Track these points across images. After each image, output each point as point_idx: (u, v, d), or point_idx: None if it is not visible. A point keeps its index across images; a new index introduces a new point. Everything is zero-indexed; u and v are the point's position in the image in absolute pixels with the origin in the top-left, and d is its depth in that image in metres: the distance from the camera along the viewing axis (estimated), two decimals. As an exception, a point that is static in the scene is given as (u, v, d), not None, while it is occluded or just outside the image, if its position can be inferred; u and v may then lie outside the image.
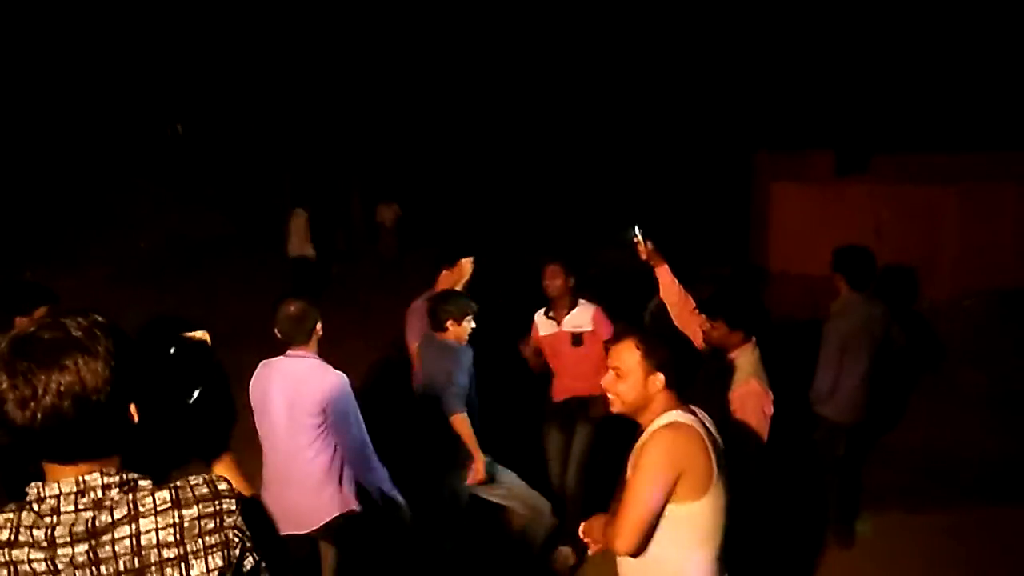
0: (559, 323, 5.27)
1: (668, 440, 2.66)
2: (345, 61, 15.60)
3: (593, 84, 16.80)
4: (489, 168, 17.88)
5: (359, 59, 15.59)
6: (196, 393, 2.00)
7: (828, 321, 5.28)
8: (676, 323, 4.33)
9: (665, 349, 2.84)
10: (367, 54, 15.63)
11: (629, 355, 2.80)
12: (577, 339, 5.22)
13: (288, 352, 3.81)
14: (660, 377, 2.77)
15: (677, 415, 2.73)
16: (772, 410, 3.84)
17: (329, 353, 3.94)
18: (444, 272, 5.41)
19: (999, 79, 13.05)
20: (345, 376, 3.75)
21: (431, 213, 16.92)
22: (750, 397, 3.81)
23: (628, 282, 10.14)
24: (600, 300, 5.39)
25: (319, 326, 3.79)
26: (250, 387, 3.87)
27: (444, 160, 18.02)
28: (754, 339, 3.99)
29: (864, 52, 13.87)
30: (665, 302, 4.41)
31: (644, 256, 4.31)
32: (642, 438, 2.76)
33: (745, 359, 3.93)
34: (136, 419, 1.65)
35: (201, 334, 2.05)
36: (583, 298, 5.32)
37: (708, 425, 2.80)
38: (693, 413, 2.78)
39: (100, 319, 1.59)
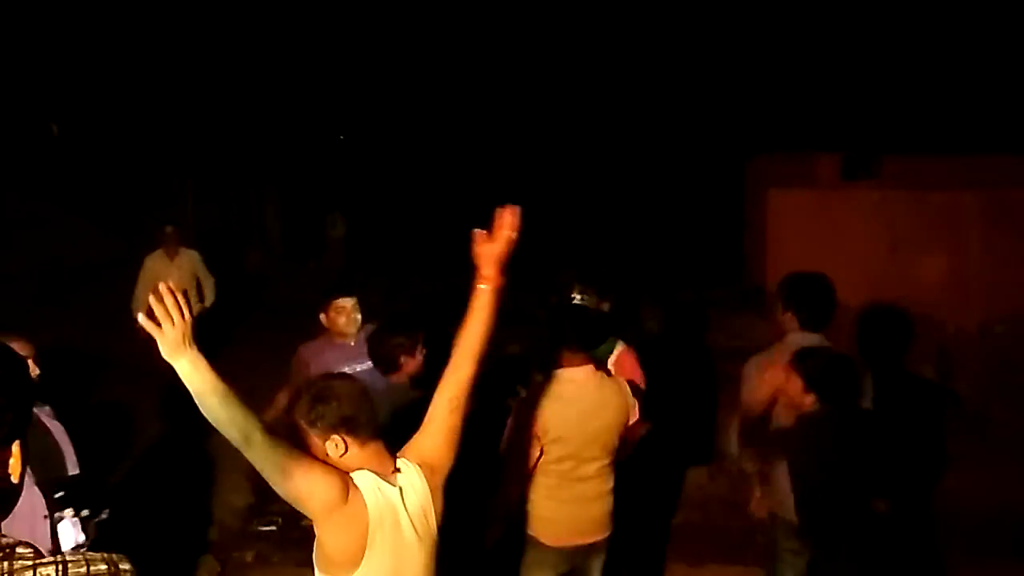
0: None
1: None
2: (249, 43, 16.02)
3: (559, 82, 17.58)
4: (438, 176, 18.41)
5: (266, 42, 16.18)
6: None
7: None
8: None
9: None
10: (273, 37, 16.29)
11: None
12: None
13: None
14: (335, 440, 2.89)
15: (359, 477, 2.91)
16: None
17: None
18: None
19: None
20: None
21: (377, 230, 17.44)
22: None
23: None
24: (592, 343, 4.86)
25: None
26: None
27: (384, 163, 18.30)
28: None
29: (871, 42, 14.25)
30: None
31: None
32: None
33: None
34: (16, 475, 1.64)
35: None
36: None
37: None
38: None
39: None
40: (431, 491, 2.97)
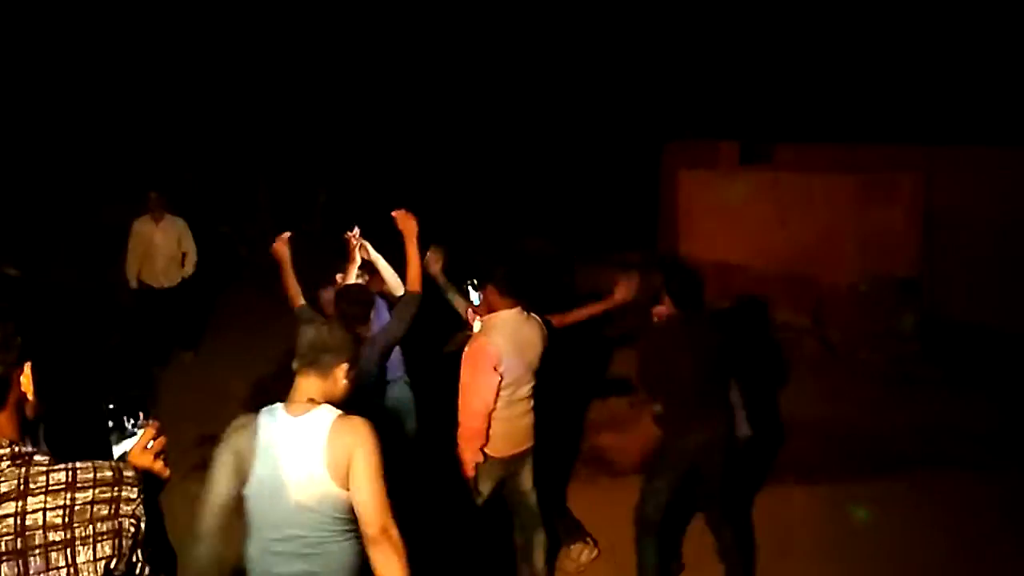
0: None
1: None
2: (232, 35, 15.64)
3: (508, 76, 17.23)
4: (397, 157, 18.16)
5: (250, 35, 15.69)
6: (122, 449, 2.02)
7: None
8: None
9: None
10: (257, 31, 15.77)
11: None
12: None
13: None
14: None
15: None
16: None
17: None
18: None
19: (896, 75, 13.68)
20: None
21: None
22: None
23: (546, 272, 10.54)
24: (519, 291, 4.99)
25: None
26: None
27: (353, 148, 18.06)
28: None
29: (768, 46, 14.49)
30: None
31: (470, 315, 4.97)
32: None
33: None
34: (31, 392, 1.68)
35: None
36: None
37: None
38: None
39: None
40: (334, 447, 2.98)
